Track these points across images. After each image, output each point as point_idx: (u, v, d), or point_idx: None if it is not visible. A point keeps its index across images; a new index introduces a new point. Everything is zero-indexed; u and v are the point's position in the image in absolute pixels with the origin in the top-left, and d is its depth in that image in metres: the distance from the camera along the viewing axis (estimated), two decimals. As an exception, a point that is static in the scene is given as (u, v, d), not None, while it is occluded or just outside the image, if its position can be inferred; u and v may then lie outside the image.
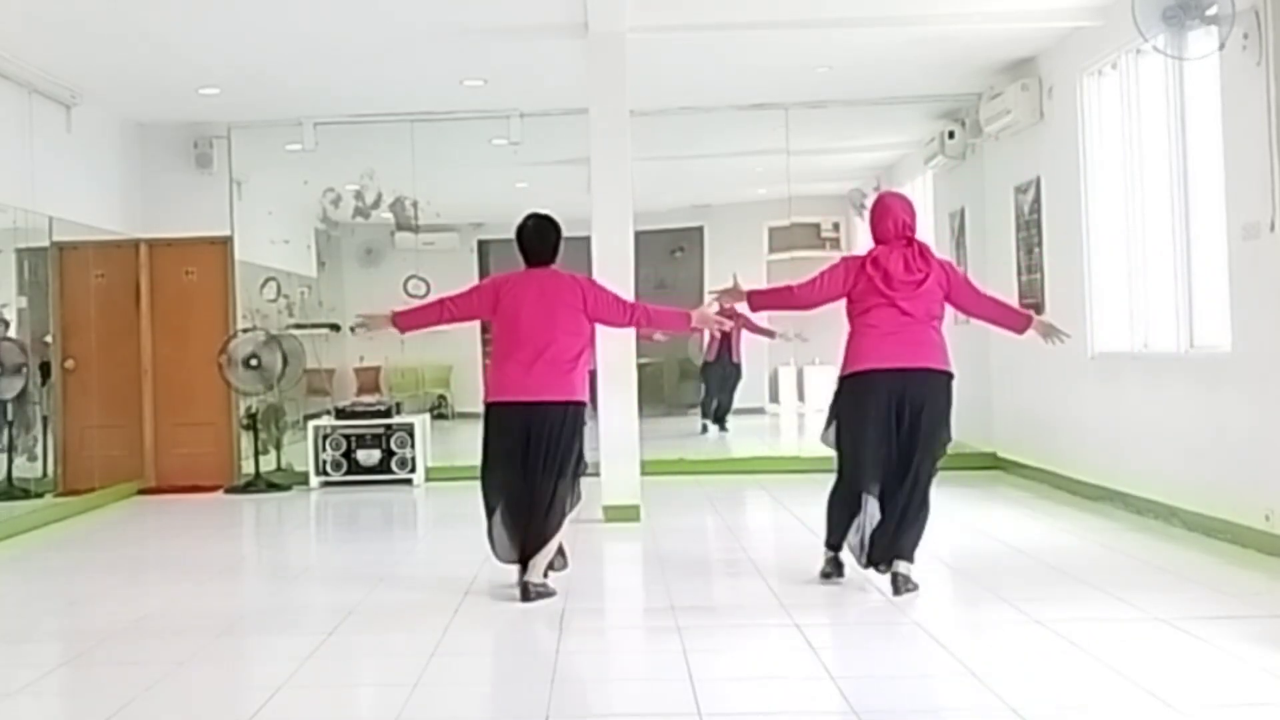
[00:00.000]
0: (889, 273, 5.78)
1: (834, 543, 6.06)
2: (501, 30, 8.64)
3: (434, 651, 5.07)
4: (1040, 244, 9.80)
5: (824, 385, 14.98)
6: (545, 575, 5.99)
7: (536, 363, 5.86)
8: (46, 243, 9.85)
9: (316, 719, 4.42)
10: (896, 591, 5.71)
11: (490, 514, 6.00)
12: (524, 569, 5.94)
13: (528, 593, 5.88)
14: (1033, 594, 5.78)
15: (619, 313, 6.19)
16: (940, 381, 5.82)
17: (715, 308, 6.61)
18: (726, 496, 9.85)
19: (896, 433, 5.76)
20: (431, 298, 6.23)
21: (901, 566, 5.76)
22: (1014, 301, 10.25)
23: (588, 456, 6.17)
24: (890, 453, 5.77)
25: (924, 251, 5.87)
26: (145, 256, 11.25)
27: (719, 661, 4.88)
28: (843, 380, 5.92)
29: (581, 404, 6.00)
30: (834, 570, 6.12)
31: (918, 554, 5.84)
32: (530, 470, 5.87)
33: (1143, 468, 8.02)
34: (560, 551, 6.12)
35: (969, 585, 6.28)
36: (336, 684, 4.84)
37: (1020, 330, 6.15)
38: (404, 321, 6.22)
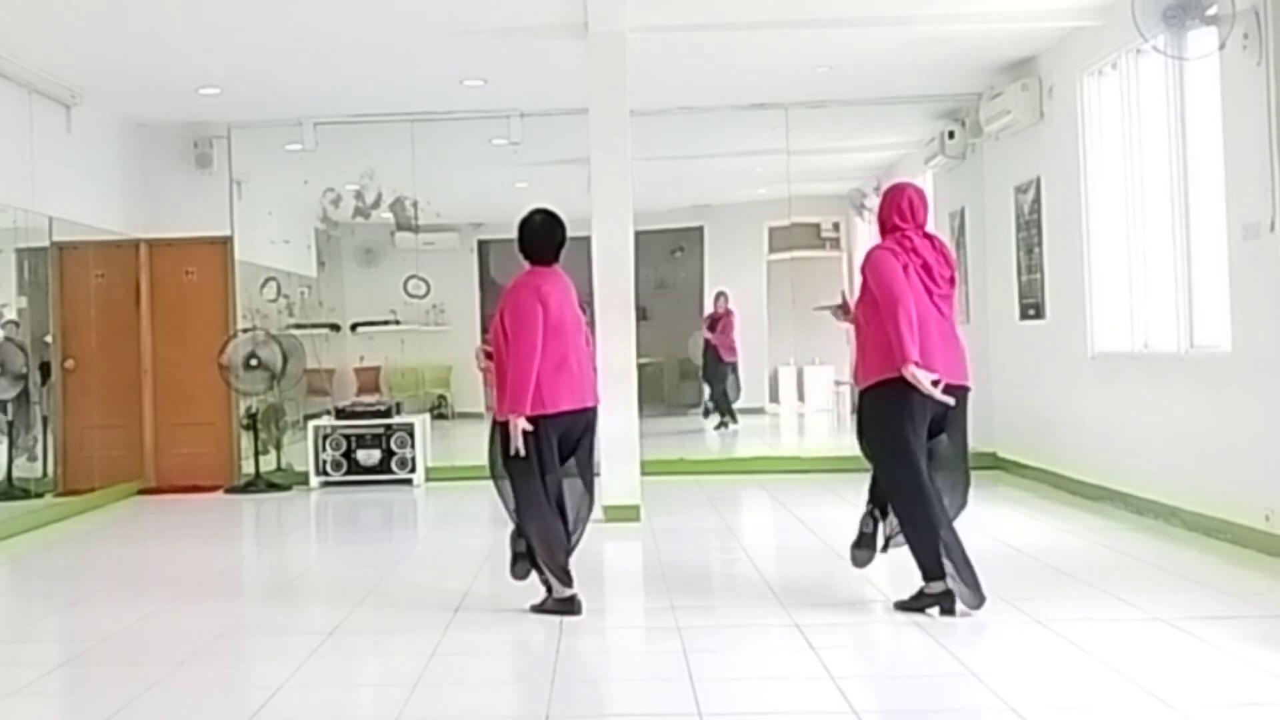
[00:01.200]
0: (929, 264, 5.38)
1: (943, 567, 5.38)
2: (501, 30, 8.65)
3: (434, 651, 5.07)
4: (1040, 244, 9.80)
5: (823, 385, 15.20)
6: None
7: (579, 368, 5.73)
8: (46, 243, 9.85)
9: (316, 719, 4.42)
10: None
11: (535, 519, 5.62)
12: (570, 579, 5.67)
13: (579, 604, 5.66)
14: (1033, 594, 5.78)
15: None
16: (966, 399, 5.47)
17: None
18: (726, 496, 9.85)
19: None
20: (508, 363, 5.58)
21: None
22: (1015, 304, 10.31)
23: None
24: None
25: (944, 249, 5.53)
26: (145, 256, 11.26)
27: (719, 661, 4.88)
28: (882, 385, 5.31)
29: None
30: (952, 604, 5.38)
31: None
32: (567, 473, 5.73)
33: (1143, 468, 8.02)
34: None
35: (969, 585, 6.26)
36: (336, 684, 4.84)
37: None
38: (525, 404, 5.49)
